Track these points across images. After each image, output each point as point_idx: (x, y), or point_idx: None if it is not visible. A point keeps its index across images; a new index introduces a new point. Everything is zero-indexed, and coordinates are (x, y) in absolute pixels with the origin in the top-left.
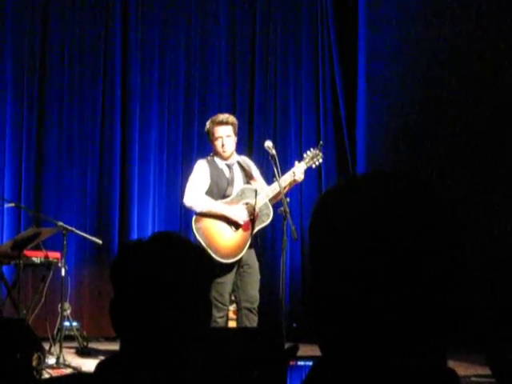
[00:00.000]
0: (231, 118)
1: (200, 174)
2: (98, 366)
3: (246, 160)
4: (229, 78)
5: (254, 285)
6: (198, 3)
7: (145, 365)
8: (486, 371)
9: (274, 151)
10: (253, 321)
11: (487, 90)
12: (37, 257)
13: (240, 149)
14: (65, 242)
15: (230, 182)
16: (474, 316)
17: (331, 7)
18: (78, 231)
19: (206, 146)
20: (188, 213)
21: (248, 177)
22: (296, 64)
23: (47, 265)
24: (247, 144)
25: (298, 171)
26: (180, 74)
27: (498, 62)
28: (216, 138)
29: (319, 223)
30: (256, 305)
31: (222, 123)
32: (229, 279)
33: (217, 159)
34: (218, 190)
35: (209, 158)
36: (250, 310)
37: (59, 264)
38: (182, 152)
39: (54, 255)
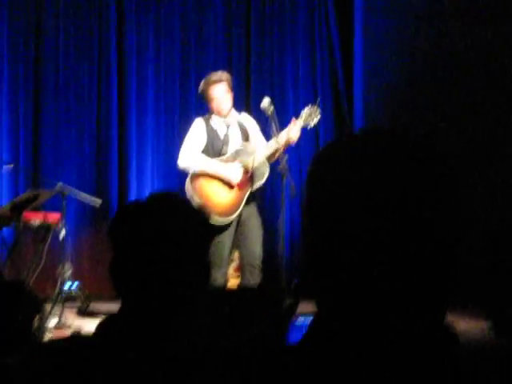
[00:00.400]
0: (225, 75)
1: (195, 134)
2: (98, 327)
3: (246, 117)
4: (224, 33)
5: (255, 240)
6: None
7: (144, 324)
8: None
9: (271, 109)
10: (257, 277)
11: (486, 40)
12: (36, 219)
13: (238, 107)
14: (64, 204)
15: (226, 141)
16: (474, 274)
17: None
18: (76, 191)
19: (203, 103)
20: (186, 175)
21: (246, 136)
22: (292, 18)
23: (46, 227)
24: (244, 101)
25: (292, 129)
26: (176, 31)
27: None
28: (212, 99)
29: (316, 176)
30: (259, 261)
31: (216, 82)
32: (227, 238)
33: (214, 118)
34: (214, 149)
35: (206, 116)
36: (253, 265)
37: (59, 225)
38: (180, 109)
39: (53, 217)
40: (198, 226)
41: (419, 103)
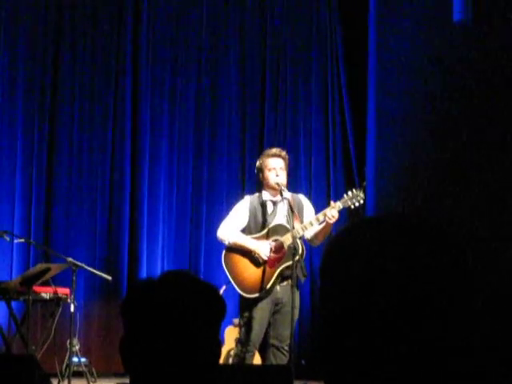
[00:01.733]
0: (284, 153)
1: (237, 210)
2: None
3: (300, 199)
4: (239, 114)
5: (285, 323)
6: (208, 37)
7: None
8: None
9: (285, 194)
10: (280, 360)
11: (494, 124)
12: (46, 292)
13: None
14: (74, 278)
15: (271, 219)
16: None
17: (342, 44)
18: (87, 267)
19: (214, 184)
20: (197, 251)
21: (294, 216)
22: (305, 103)
23: (56, 300)
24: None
25: (331, 211)
26: (190, 108)
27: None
28: (269, 169)
29: (331, 264)
30: (286, 344)
31: (275, 155)
32: (259, 316)
33: (264, 194)
34: (256, 225)
35: (257, 194)
36: (277, 348)
37: (68, 300)
38: (192, 188)
39: (63, 291)
40: (209, 306)
41: (432, 184)
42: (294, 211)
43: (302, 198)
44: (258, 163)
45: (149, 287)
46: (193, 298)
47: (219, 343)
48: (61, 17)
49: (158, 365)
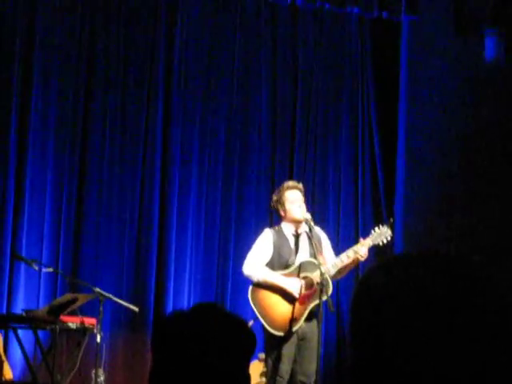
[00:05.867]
0: (301, 185)
1: (262, 244)
2: None
3: (317, 231)
4: (268, 148)
5: (311, 359)
6: (240, 72)
7: None
8: None
9: (311, 227)
10: None
11: None
12: (73, 322)
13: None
14: (101, 309)
15: (294, 253)
16: None
17: (372, 81)
18: (114, 298)
19: (243, 215)
20: (224, 285)
21: (315, 249)
22: (335, 138)
23: (83, 330)
24: None
25: (361, 248)
26: (220, 142)
27: None
28: (291, 202)
29: (362, 301)
30: (312, 380)
31: (293, 187)
32: (286, 351)
33: (285, 227)
34: (280, 260)
35: (276, 227)
36: None
37: (94, 330)
38: (220, 220)
39: (89, 321)
40: (240, 341)
41: (458, 221)
42: (317, 246)
43: (318, 230)
44: (275, 197)
45: (180, 319)
46: (224, 331)
47: (249, 378)
48: (94, 42)
49: None
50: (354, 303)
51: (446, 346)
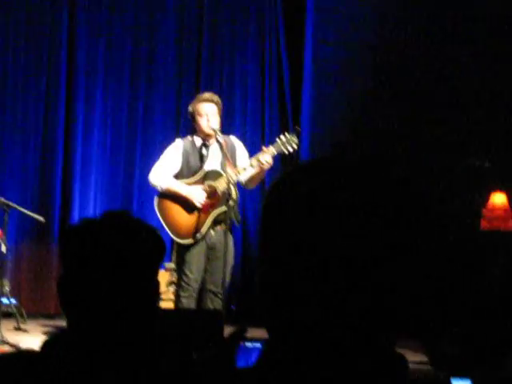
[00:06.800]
0: (216, 97)
1: (170, 154)
2: (45, 344)
3: (232, 141)
4: (176, 59)
5: (220, 267)
6: None
7: (92, 343)
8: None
9: (220, 138)
10: (217, 305)
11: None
12: None
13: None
14: (6, 219)
15: (203, 163)
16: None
17: None
18: (19, 208)
19: (148, 126)
20: (130, 194)
21: (227, 160)
22: (242, 49)
23: None
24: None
25: (263, 156)
26: (127, 49)
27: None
28: (201, 115)
29: (272, 207)
30: (221, 289)
31: (207, 100)
32: (194, 259)
33: (196, 138)
34: (189, 170)
35: (189, 137)
36: (214, 293)
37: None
38: (126, 132)
39: None
40: (150, 246)
41: (366, 136)
42: (226, 155)
43: (234, 139)
44: (190, 108)
45: (90, 227)
46: (134, 238)
47: (158, 285)
48: None
49: (95, 305)
50: (264, 212)
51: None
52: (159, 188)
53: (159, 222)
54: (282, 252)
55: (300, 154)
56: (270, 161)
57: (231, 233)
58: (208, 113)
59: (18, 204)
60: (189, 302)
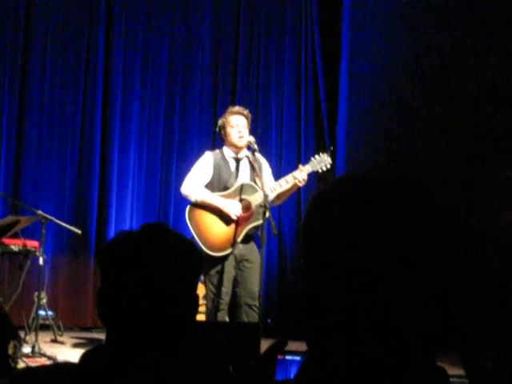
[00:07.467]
0: (246, 111)
1: (202, 166)
2: (84, 356)
3: (258, 158)
4: (211, 73)
5: (253, 281)
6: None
7: (131, 355)
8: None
9: (255, 147)
10: (252, 318)
11: (469, 85)
12: (15, 245)
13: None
14: (43, 231)
15: (234, 176)
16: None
17: (315, 4)
18: (57, 220)
19: (185, 140)
20: (166, 206)
21: (255, 174)
22: (278, 62)
23: (25, 253)
24: None
25: (299, 174)
26: (163, 66)
27: (481, 55)
28: (232, 126)
29: (313, 222)
30: (257, 301)
31: (238, 113)
32: (225, 273)
33: (226, 151)
34: (220, 183)
35: (217, 150)
36: (250, 306)
37: (37, 253)
38: (162, 145)
39: (32, 244)
40: (189, 260)
41: (402, 148)
42: (256, 170)
43: (259, 157)
44: (220, 121)
45: (128, 240)
46: (173, 250)
47: (196, 297)
48: None
49: (134, 317)
50: (306, 225)
51: (398, 263)
52: (193, 199)
53: (190, 233)
54: (324, 264)
55: (335, 170)
56: (305, 178)
57: (264, 247)
58: (239, 124)
59: (54, 217)
60: (222, 315)
